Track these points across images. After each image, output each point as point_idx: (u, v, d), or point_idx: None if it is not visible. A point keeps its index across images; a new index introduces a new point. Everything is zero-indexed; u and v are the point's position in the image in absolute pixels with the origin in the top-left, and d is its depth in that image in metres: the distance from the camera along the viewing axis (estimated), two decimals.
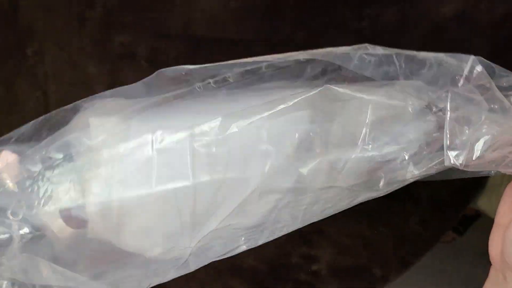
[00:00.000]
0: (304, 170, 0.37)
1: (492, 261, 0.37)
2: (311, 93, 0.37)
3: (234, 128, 0.36)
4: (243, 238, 0.39)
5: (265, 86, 0.44)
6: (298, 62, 0.42)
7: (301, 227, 0.40)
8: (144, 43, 0.57)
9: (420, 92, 0.39)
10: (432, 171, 0.38)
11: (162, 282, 0.39)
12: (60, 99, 0.59)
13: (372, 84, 0.40)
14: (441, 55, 0.39)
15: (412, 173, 0.38)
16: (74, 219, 0.41)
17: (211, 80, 0.43)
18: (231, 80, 0.43)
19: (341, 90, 0.38)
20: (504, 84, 0.40)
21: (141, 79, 0.59)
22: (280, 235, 0.40)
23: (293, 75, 0.43)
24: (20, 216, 0.39)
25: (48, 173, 0.41)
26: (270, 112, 0.37)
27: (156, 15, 0.57)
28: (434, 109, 0.39)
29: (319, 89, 0.37)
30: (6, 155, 0.60)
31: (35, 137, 0.43)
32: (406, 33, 0.54)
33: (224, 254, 0.40)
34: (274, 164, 0.37)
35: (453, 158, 0.35)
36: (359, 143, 0.37)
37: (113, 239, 0.39)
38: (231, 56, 0.57)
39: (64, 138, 0.40)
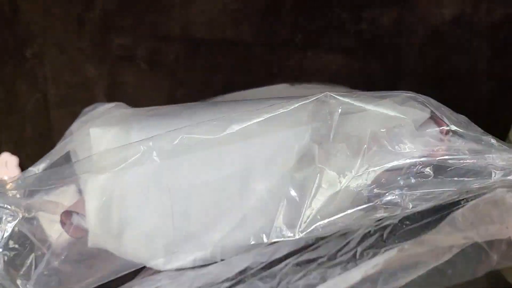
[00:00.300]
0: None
1: None
2: (310, 100, 0.37)
3: (232, 129, 0.36)
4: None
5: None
6: None
7: None
8: (143, 44, 0.57)
9: (423, 103, 0.39)
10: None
11: None
12: (59, 101, 0.59)
13: (372, 94, 0.40)
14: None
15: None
16: (73, 227, 0.41)
17: None
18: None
19: (341, 98, 0.37)
20: None
21: (141, 80, 0.59)
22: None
23: None
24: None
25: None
26: (270, 114, 0.36)
27: (155, 16, 0.57)
28: None
29: (317, 96, 0.37)
30: (5, 157, 0.60)
31: None
32: (405, 36, 0.54)
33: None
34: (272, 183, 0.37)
35: None
36: (360, 157, 0.37)
37: (113, 249, 0.39)
38: (230, 58, 0.58)
39: (66, 149, 0.41)
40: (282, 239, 0.40)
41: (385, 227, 0.39)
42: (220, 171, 0.37)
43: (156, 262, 0.39)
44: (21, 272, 0.39)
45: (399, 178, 0.38)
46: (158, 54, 0.57)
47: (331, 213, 0.41)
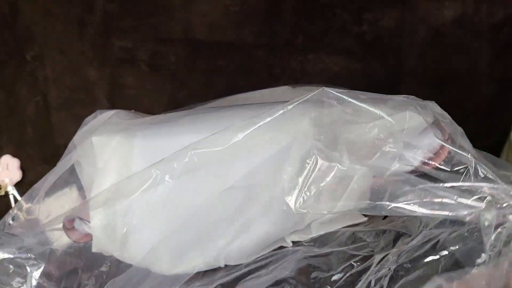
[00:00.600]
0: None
1: None
2: (309, 95, 0.37)
3: (238, 137, 0.36)
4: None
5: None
6: None
7: None
8: (144, 47, 0.57)
9: (424, 109, 0.40)
10: None
11: None
12: (60, 104, 0.59)
13: (374, 96, 0.40)
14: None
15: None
16: (76, 232, 0.41)
17: None
18: None
19: (339, 94, 0.37)
20: None
21: (142, 83, 0.59)
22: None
23: None
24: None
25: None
26: (271, 117, 0.36)
27: (156, 19, 0.57)
28: None
29: (317, 91, 0.37)
30: (6, 159, 0.60)
31: None
32: (406, 37, 0.54)
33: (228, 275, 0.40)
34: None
35: None
36: (364, 157, 0.37)
37: (118, 255, 0.39)
38: (231, 60, 0.58)
39: (70, 163, 0.41)
40: (286, 245, 0.41)
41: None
42: (225, 181, 0.37)
43: (161, 268, 0.39)
44: None
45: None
46: (159, 56, 0.57)
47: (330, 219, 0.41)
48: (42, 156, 0.60)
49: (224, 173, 0.37)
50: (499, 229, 0.33)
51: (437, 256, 0.37)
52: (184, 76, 0.57)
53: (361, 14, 0.54)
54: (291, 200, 0.36)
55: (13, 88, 0.60)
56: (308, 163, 0.36)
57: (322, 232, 0.41)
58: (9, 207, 0.61)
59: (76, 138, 0.43)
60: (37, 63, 0.59)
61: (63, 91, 0.59)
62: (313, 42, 0.55)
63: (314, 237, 0.42)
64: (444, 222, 0.37)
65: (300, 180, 0.36)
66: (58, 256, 0.41)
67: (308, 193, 0.36)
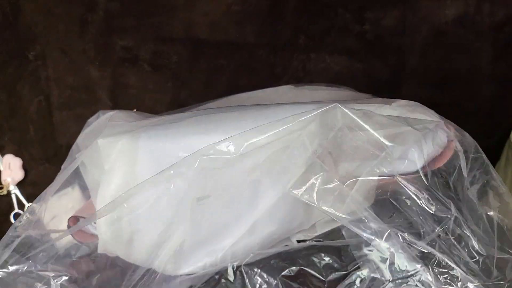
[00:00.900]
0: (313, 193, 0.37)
1: None
2: (321, 110, 0.37)
3: (247, 147, 0.36)
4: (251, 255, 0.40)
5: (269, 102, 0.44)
6: None
7: None
8: (146, 46, 0.57)
9: (428, 111, 0.40)
10: None
11: None
12: (62, 103, 0.59)
13: (378, 101, 0.41)
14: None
15: None
16: (80, 232, 0.41)
17: None
18: None
19: (349, 113, 0.38)
20: None
21: (144, 82, 0.59)
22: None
23: None
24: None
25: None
26: (283, 127, 0.37)
27: (158, 19, 0.57)
28: None
29: (328, 106, 0.37)
30: (9, 159, 0.60)
31: None
32: (407, 36, 0.54)
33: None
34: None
35: None
36: (370, 158, 0.37)
37: (123, 255, 0.40)
38: (233, 59, 0.58)
39: (77, 162, 0.41)
40: (292, 244, 0.41)
41: None
42: (231, 183, 0.38)
43: (166, 268, 0.39)
44: None
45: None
46: (161, 55, 0.57)
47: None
48: (44, 156, 0.60)
49: (229, 175, 0.37)
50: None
51: None
52: (185, 75, 0.57)
53: (362, 14, 0.54)
54: (299, 191, 0.37)
55: (15, 88, 0.60)
56: (314, 165, 0.36)
57: (328, 229, 0.41)
58: (11, 206, 0.61)
59: (80, 139, 0.43)
60: (38, 62, 0.59)
61: (65, 90, 0.59)
62: (315, 42, 0.55)
63: (320, 235, 0.42)
64: None
65: (306, 183, 0.36)
66: (74, 260, 0.41)
67: (314, 195, 0.36)
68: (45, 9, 0.59)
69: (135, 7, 0.57)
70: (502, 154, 0.51)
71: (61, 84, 0.59)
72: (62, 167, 0.42)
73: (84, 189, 0.45)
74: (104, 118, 0.43)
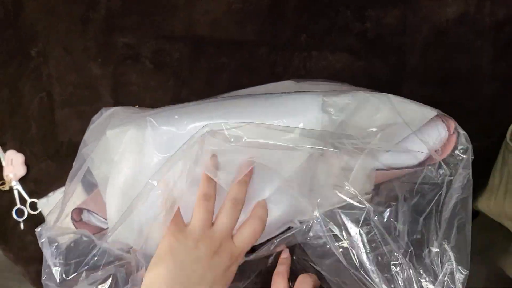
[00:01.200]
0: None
1: None
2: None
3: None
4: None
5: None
6: None
7: None
8: (147, 44, 0.58)
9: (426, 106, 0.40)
10: None
11: None
12: (64, 100, 0.60)
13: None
14: None
15: None
16: (84, 223, 0.42)
17: None
18: None
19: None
20: None
21: (145, 80, 0.59)
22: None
23: None
24: None
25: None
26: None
27: (159, 16, 0.57)
28: None
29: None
30: (11, 155, 0.61)
31: None
32: (408, 35, 0.54)
33: None
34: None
35: None
36: (370, 146, 0.38)
37: (133, 243, 0.40)
38: (234, 57, 0.58)
39: (86, 155, 0.42)
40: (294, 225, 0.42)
41: None
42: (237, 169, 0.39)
43: None
44: None
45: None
46: (162, 53, 0.57)
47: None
48: (45, 153, 0.61)
49: (236, 164, 0.38)
50: None
51: None
52: (186, 74, 0.58)
53: (363, 13, 0.54)
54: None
55: (17, 85, 0.60)
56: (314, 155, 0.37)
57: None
58: (13, 201, 0.61)
59: (87, 135, 0.43)
60: (40, 60, 0.60)
61: (66, 88, 0.60)
62: (316, 40, 0.55)
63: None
64: None
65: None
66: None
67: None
68: (47, 7, 0.59)
69: (136, 5, 0.57)
70: (499, 154, 0.51)
71: (62, 82, 0.59)
72: (74, 164, 0.42)
73: (86, 185, 0.45)
74: (107, 115, 0.44)
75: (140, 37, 0.57)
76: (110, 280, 0.40)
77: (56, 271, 0.40)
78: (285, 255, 0.48)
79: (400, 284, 0.38)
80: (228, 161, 0.38)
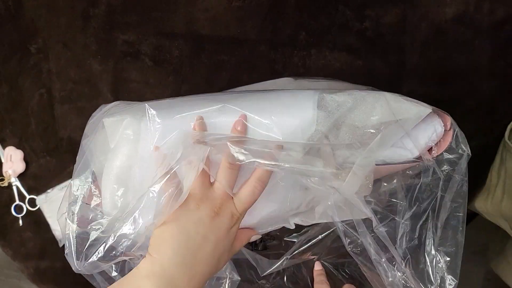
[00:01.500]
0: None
1: None
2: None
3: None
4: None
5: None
6: None
7: None
8: (148, 41, 0.58)
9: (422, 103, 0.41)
10: None
11: None
12: (64, 96, 0.60)
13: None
14: None
15: None
16: (79, 217, 0.42)
17: None
18: None
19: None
20: None
21: (145, 77, 0.59)
22: None
23: None
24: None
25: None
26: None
27: (160, 13, 0.57)
28: None
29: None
30: (10, 151, 0.61)
31: None
32: (408, 34, 0.54)
33: None
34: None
35: None
36: (366, 143, 0.38)
37: (129, 231, 0.41)
38: (234, 55, 0.58)
39: (85, 146, 0.42)
40: (289, 227, 0.42)
41: None
42: None
43: None
44: None
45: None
46: (163, 50, 0.58)
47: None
48: (45, 149, 0.61)
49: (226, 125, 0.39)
50: None
51: None
52: (186, 71, 0.58)
53: (363, 11, 0.55)
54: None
55: (16, 81, 0.60)
56: (311, 150, 0.38)
57: (324, 221, 0.43)
58: (12, 198, 0.61)
59: (87, 129, 0.44)
60: (40, 56, 0.60)
61: (66, 84, 0.60)
62: (315, 38, 0.55)
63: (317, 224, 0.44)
64: None
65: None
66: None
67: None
68: (48, 2, 0.59)
69: (136, 2, 0.57)
70: (497, 153, 0.51)
71: (62, 78, 0.60)
72: (77, 157, 0.43)
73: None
74: (106, 109, 0.44)
75: (140, 34, 0.58)
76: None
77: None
78: (319, 267, 0.51)
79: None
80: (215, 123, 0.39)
